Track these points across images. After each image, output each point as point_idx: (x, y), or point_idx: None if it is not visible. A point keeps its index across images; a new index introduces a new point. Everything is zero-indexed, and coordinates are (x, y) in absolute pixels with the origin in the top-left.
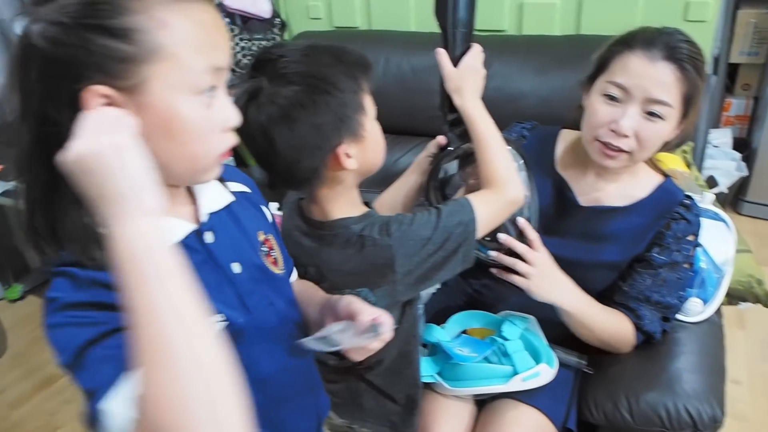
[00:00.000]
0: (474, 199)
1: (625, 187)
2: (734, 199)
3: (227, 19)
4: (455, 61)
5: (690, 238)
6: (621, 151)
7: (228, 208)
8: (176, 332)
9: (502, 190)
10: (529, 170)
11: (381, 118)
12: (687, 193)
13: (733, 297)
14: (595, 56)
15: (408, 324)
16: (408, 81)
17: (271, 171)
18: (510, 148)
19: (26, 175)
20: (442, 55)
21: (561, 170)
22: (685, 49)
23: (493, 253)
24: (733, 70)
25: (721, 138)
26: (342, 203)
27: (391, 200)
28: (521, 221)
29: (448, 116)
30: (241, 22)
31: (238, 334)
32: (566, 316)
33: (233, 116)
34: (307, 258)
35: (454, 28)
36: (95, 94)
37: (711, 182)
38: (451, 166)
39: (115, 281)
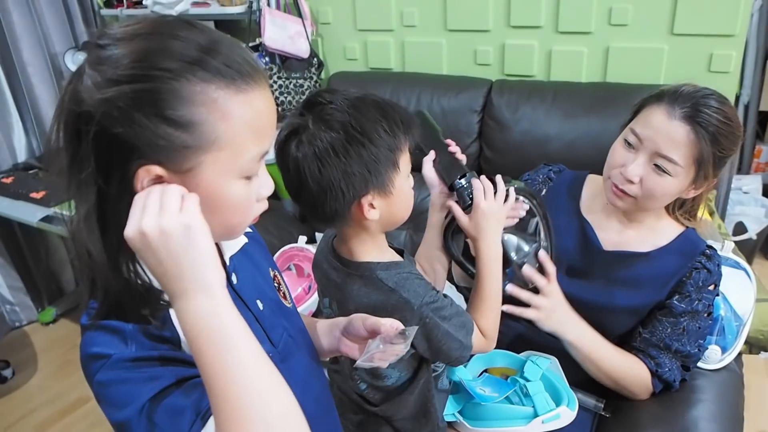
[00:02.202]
0: (475, 336)
1: (647, 234)
2: (765, 246)
3: (266, 59)
4: (446, 173)
5: (711, 287)
6: (626, 194)
7: (242, 248)
8: (254, 394)
9: (490, 343)
10: (544, 215)
11: (413, 157)
12: (709, 243)
13: (754, 346)
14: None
15: (425, 378)
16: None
17: (300, 204)
18: (523, 197)
19: (81, 226)
20: (454, 207)
21: (586, 214)
22: (709, 115)
23: (509, 287)
24: (763, 117)
25: (752, 184)
26: (369, 247)
27: (426, 255)
28: (542, 254)
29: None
30: (280, 62)
31: None
32: (571, 348)
33: (269, 187)
34: (332, 291)
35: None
36: (149, 174)
37: (740, 228)
38: None
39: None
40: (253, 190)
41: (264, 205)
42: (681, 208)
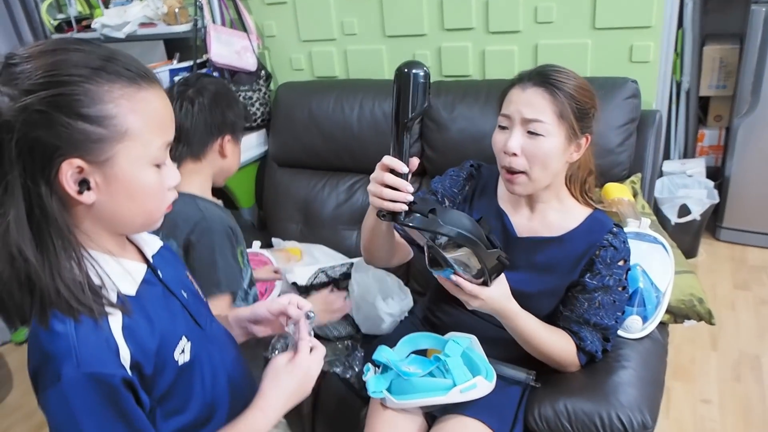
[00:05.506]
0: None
1: (555, 219)
2: (712, 226)
3: (216, 73)
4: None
5: (620, 263)
6: (517, 173)
7: (159, 253)
8: None
9: None
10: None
11: (358, 159)
12: (615, 222)
13: (678, 315)
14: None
15: None
16: (381, 125)
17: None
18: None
19: (11, 228)
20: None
21: (502, 204)
22: (554, 76)
23: (454, 277)
24: (705, 102)
25: (696, 168)
26: (194, 181)
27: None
28: (454, 278)
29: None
30: (229, 76)
31: (201, 348)
32: (505, 326)
33: (175, 178)
34: None
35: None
36: (71, 166)
37: (684, 210)
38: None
39: None
40: (163, 178)
41: (174, 194)
42: (589, 192)
